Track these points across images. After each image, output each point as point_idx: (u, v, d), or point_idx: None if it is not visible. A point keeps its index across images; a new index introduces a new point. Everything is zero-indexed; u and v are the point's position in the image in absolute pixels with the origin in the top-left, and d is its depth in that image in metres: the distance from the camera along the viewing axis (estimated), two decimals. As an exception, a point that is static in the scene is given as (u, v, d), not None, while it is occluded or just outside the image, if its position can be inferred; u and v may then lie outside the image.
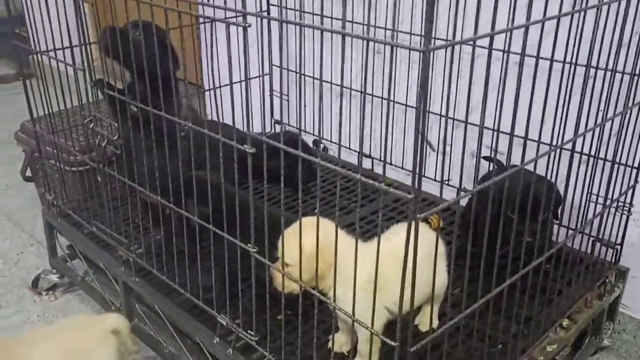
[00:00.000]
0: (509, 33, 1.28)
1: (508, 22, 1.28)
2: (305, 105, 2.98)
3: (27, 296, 2.54)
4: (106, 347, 1.82)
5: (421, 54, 1.00)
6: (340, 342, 1.70)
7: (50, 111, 2.23)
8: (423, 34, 1.01)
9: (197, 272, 1.78)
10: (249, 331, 1.68)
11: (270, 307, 1.59)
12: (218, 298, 1.78)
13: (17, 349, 1.77)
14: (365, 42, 1.13)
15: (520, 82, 1.31)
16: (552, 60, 1.48)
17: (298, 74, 2.88)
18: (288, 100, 3.05)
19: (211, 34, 1.74)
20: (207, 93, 3.20)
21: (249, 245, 1.55)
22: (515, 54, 1.38)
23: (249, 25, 1.30)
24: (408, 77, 2.52)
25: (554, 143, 1.58)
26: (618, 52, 1.74)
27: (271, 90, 3.02)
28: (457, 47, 2.25)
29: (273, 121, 3.09)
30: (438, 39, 2.26)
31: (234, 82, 1.49)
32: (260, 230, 1.50)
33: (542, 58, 1.39)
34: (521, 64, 1.32)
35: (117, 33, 1.70)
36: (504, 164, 1.57)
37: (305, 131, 2.99)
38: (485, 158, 2.15)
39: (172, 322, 1.99)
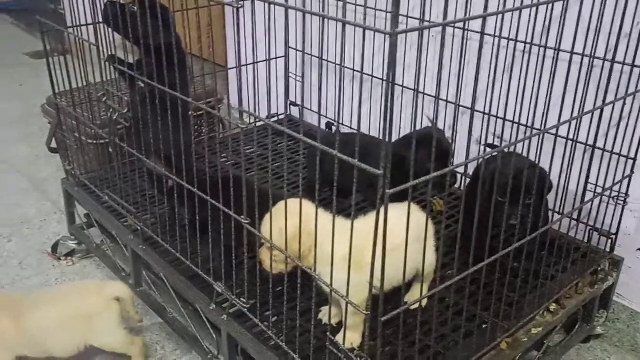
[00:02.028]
0: (500, 16, 1.31)
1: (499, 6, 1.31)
2: (320, 88, 3.04)
3: (47, 260, 2.68)
4: (108, 313, 1.95)
5: (388, 37, 1.06)
6: (332, 314, 1.77)
7: (73, 86, 2.34)
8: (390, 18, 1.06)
9: (198, 243, 1.88)
10: (242, 299, 1.77)
11: (266, 278, 1.67)
12: (217, 268, 1.88)
13: (20, 307, 1.90)
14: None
15: (523, 70, 1.35)
16: (558, 50, 1.51)
17: (309, 56, 2.93)
18: (303, 82, 3.11)
19: (233, 16, 1.81)
20: (230, 72, 3.30)
21: (242, 217, 1.63)
22: (522, 42, 1.41)
23: (242, 6, 1.37)
24: (418, 62, 2.54)
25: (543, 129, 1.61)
26: (617, 42, 1.75)
27: (287, 72, 3.08)
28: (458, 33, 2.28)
29: (289, 103, 3.16)
30: (428, 21, 2.28)
31: (249, 64, 1.56)
32: (253, 205, 1.58)
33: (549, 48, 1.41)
34: (529, 53, 1.35)
35: (117, 7, 1.79)
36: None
37: (318, 113, 3.05)
38: (489, 145, 2.18)
39: (175, 289, 2.09)
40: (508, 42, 2.01)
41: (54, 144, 3.07)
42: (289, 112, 3.14)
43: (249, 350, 1.78)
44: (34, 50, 5.29)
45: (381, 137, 1.16)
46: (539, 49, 1.87)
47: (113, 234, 2.41)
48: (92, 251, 2.60)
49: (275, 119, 3.06)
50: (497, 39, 1.64)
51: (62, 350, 1.96)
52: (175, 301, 2.13)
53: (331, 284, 1.44)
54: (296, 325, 1.66)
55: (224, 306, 1.86)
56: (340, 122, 1.39)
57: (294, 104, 3.15)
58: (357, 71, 2.80)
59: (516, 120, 1.82)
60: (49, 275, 2.60)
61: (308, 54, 3.00)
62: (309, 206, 1.50)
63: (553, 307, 1.89)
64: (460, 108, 2.35)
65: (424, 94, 2.54)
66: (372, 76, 2.70)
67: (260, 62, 2.84)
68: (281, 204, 1.53)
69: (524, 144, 1.54)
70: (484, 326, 1.76)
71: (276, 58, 2.95)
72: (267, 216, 1.56)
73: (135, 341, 2.06)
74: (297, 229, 1.49)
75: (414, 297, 1.79)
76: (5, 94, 4.46)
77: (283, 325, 1.71)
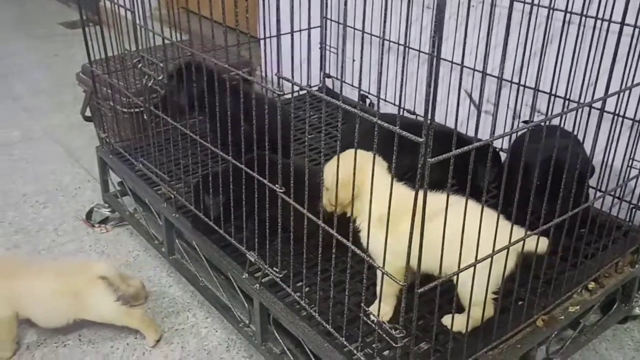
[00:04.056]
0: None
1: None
2: (354, 60, 2.99)
3: (82, 227, 2.72)
4: (94, 290, 2.02)
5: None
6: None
7: (108, 54, 2.34)
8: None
9: (231, 213, 1.88)
10: (274, 268, 1.76)
11: (300, 250, 1.66)
12: (249, 238, 1.87)
13: (15, 271, 2.03)
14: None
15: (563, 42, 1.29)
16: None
17: (344, 26, 2.87)
18: (337, 54, 3.06)
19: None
20: (261, 42, 3.26)
21: (276, 185, 1.62)
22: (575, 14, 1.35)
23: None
24: (455, 34, 2.48)
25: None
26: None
27: (323, 43, 3.04)
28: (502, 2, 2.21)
29: (323, 75, 3.12)
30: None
31: (284, 33, 1.53)
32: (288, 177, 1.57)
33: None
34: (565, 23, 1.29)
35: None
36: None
37: (351, 84, 3.01)
38: (525, 122, 2.12)
39: (207, 258, 2.10)
40: (572, 16, 1.93)
41: (88, 113, 3.09)
42: (324, 84, 3.11)
43: (280, 319, 1.78)
44: (69, 20, 5.33)
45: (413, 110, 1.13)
46: (584, 20, 1.80)
47: (146, 202, 2.43)
48: (126, 219, 2.63)
49: (310, 90, 3.02)
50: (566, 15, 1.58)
51: (45, 322, 2.06)
52: (207, 270, 2.14)
53: (367, 248, 1.42)
54: (329, 296, 1.65)
55: (256, 275, 1.86)
56: (379, 95, 1.36)
57: (329, 76, 3.11)
58: (395, 42, 2.74)
59: (560, 94, 1.76)
60: (84, 241, 2.64)
61: (346, 25, 2.95)
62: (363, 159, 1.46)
63: (591, 285, 1.84)
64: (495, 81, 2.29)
65: (463, 66, 2.47)
66: (414, 48, 2.64)
67: (295, 32, 2.79)
68: (346, 152, 1.50)
69: (562, 118, 1.48)
70: (520, 303, 1.73)
71: (309, 28, 2.90)
72: (331, 160, 1.55)
73: (133, 313, 2.09)
74: (346, 175, 1.46)
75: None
76: (40, 64, 4.51)
77: (316, 295, 1.70)
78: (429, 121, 1.11)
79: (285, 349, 1.85)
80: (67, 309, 2.03)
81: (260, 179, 1.67)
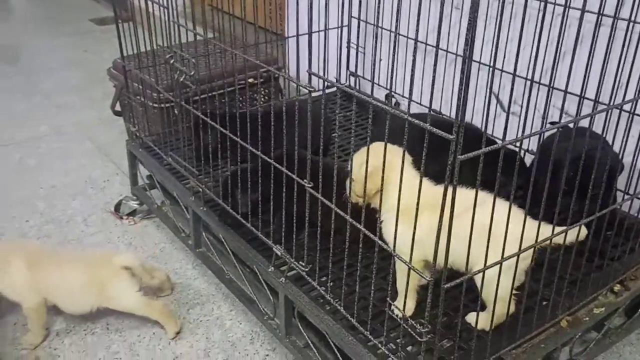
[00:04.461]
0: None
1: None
2: (381, 59, 3.01)
3: (110, 219, 2.78)
4: (117, 281, 2.08)
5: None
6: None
7: (140, 50, 2.39)
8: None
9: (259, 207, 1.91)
10: (300, 262, 1.79)
11: (326, 245, 1.68)
12: (276, 232, 1.90)
13: (39, 258, 2.08)
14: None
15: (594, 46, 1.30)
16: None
17: (375, 26, 2.89)
18: (364, 53, 3.09)
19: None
20: (287, 41, 3.30)
21: (304, 180, 1.64)
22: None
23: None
24: (484, 34, 2.48)
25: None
26: None
27: (349, 42, 3.06)
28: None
29: (348, 73, 3.14)
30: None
31: (313, 32, 1.55)
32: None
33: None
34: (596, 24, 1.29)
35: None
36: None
37: (378, 84, 3.03)
38: (551, 123, 2.12)
39: (234, 251, 2.14)
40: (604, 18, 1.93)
41: (118, 107, 3.15)
42: (348, 83, 3.13)
43: (305, 313, 1.81)
44: (98, 17, 5.42)
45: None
46: (616, 22, 1.80)
47: (174, 196, 2.47)
48: (153, 212, 2.68)
49: (335, 88, 3.05)
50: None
51: (71, 308, 2.12)
52: (233, 263, 2.17)
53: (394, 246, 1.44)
54: (354, 290, 1.67)
55: (282, 269, 1.89)
56: (407, 95, 1.38)
57: (354, 75, 3.14)
58: (422, 42, 2.75)
59: (590, 96, 1.76)
60: (112, 232, 2.69)
61: (373, 24, 2.97)
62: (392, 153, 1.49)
63: (617, 288, 1.84)
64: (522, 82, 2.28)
65: (495, 68, 2.47)
66: (442, 49, 2.64)
67: (321, 30, 2.82)
68: (374, 144, 1.54)
69: (591, 119, 1.48)
70: (544, 303, 1.73)
71: (339, 27, 2.93)
72: (359, 151, 1.60)
73: (153, 304, 2.13)
74: (373, 168, 1.49)
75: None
76: (70, 60, 4.59)
77: (341, 290, 1.72)
78: (459, 118, 1.13)
79: (309, 342, 1.88)
80: (92, 298, 2.08)
81: (289, 173, 1.70)
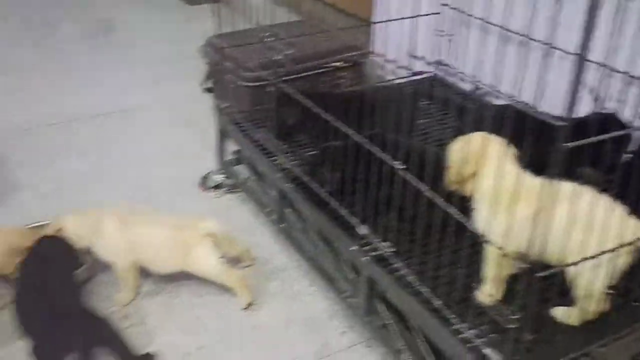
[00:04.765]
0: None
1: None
2: (469, 48, 2.96)
3: (197, 191, 2.90)
4: (201, 246, 2.18)
5: None
6: None
7: (231, 29, 2.47)
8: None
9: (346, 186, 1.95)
10: (385, 243, 1.81)
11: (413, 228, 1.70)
12: (361, 212, 1.93)
13: (130, 221, 2.22)
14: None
15: None
16: None
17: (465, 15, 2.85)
18: (451, 41, 3.04)
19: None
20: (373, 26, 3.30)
21: (396, 162, 1.67)
22: None
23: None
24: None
25: None
26: None
27: (437, 30, 3.02)
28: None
29: (436, 61, 3.11)
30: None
31: (405, 17, 1.56)
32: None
33: None
34: None
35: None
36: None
37: (463, 73, 2.98)
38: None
39: (317, 229, 2.18)
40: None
41: (208, 85, 3.26)
42: (435, 72, 3.10)
43: (388, 293, 1.83)
44: (189, -3, 5.58)
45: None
46: None
47: (260, 172, 2.55)
48: (239, 186, 2.77)
49: (423, 76, 3.03)
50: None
51: (157, 268, 2.23)
52: (315, 240, 2.22)
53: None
54: (438, 275, 1.68)
55: (365, 249, 1.92)
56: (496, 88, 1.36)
57: (441, 64, 3.10)
58: (515, 33, 2.69)
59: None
60: (198, 204, 2.81)
61: (465, 13, 2.93)
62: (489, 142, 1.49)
63: None
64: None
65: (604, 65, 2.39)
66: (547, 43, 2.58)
67: (413, 17, 2.81)
68: (472, 134, 1.56)
69: None
70: (636, 303, 1.68)
71: (428, 14, 2.91)
72: (457, 139, 1.61)
73: (231, 273, 2.21)
74: (470, 154, 1.50)
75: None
76: (162, 37, 4.77)
77: (425, 274, 1.73)
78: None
79: (389, 322, 1.90)
80: (176, 260, 2.19)
81: (381, 154, 1.73)
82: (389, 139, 1.87)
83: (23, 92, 3.80)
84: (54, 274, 2.02)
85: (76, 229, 2.20)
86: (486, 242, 1.47)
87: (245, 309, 2.21)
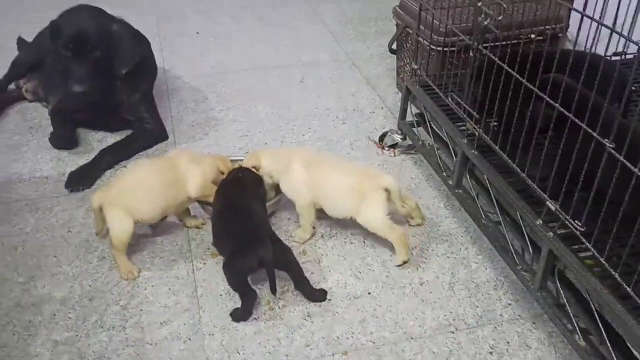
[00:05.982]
0: None
1: None
2: None
3: (372, 147, 3.00)
4: (374, 198, 2.26)
5: None
6: None
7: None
8: None
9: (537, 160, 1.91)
10: (576, 221, 1.77)
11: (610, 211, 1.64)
12: (552, 188, 1.89)
13: (317, 162, 2.37)
14: None
15: None
16: None
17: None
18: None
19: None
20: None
21: (605, 140, 1.61)
22: None
23: None
24: None
25: None
26: None
27: None
28: None
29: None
30: None
31: None
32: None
33: None
34: None
35: None
36: None
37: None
38: None
39: (498, 198, 2.17)
40: None
41: (394, 46, 3.32)
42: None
43: (569, 273, 1.80)
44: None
45: None
46: None
47: (441, 136, 2.57)
48: (417, 147, 2.81)
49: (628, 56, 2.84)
50: None
51: (331, 211, 2.35)
52: (493, 209, 2.22)
53: None
54: (629, 262, 1.62)
55: (550, 225, 1.89)
56: None
57: (648, 46, 2.88)
58: None
59: None
60: (373, 160, 2.91)
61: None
62: None
63: None
64: None
65: None
66: None
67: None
68: None
69: None
70: None
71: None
72: None
73: (395, 229, 2.25)
74: None
75: None
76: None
77: (615, 259, 1.67)
78: None
79: (563, 302, 1.87)
80: (349, 206, 2.29)
81: (589, 130, 1.68)
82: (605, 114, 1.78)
83: (222, 42, 4.15)
84: (248, 199, 2.23)
85: (268, 164, 2.40)
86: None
87: (399, 265, 2.27)
